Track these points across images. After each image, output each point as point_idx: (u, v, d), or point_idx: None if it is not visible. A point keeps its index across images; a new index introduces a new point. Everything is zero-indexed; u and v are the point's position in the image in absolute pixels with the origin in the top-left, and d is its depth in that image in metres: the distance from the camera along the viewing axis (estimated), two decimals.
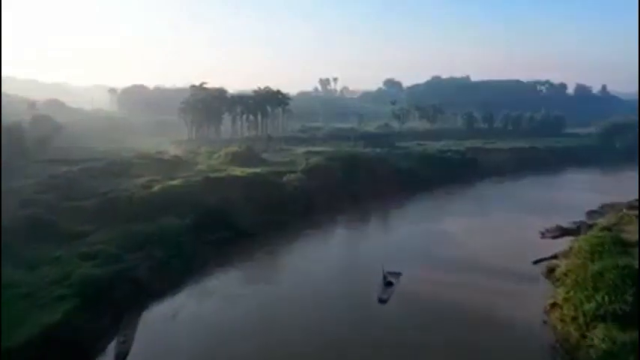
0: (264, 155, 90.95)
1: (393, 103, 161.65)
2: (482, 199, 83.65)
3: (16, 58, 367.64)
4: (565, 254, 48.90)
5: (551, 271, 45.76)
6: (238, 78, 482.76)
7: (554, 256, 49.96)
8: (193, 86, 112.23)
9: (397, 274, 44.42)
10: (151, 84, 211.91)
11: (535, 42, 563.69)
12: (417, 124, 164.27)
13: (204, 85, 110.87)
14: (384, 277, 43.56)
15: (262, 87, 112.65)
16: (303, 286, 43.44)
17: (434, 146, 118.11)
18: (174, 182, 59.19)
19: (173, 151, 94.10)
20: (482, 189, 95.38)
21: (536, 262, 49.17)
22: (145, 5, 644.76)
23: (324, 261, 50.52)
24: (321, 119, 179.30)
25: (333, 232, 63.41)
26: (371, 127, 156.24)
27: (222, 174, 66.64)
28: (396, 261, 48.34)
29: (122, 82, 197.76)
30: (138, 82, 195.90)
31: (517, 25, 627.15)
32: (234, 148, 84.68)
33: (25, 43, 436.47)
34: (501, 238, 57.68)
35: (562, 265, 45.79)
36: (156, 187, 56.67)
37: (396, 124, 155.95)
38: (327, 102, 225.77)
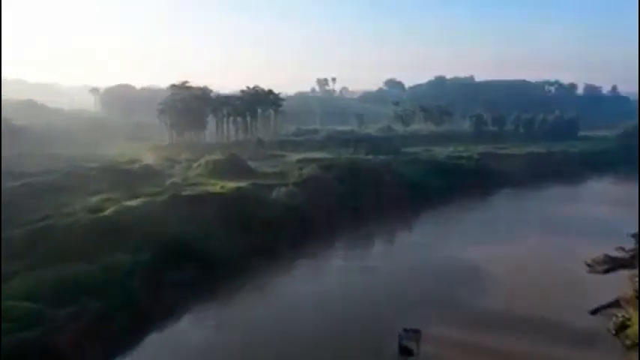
0: (252, 164, 79.41)
1: (397, 103, 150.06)
2: (504, 217, 72.11)
3: (12, 58, 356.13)
4: (631, 301, 37.73)
5: (621, 328, 34.58)
6: (236, 79, 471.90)
7: (617, 302, 38.84)
8: (174, 85, 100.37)
9: (416, 333, 33.05)
10: (148, 84, 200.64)
11: (540, 41, 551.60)
12: (421, 126, 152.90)
13: (187, 84, 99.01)
14: (399, 339, 32.29)
15: (251, 87, 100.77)
16: (285, 354, 32.07)
17: (442, 152, 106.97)
18: (133, 202, 47.72)
19: (149, 158, 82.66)
20: (500, 203, 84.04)
21: (594, 312, 37.99)
22: (146, 6, 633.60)
23: (317, 309, 39.11)
24: (319, 121, 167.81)
25: (331, 262, 51.89)
26: (372, 129, 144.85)
27: (197, 190, 55.19)
28: (412, 310, 37.32)
29: (120, 82, 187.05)
30: (124, 82, 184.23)
31: (521, 24, 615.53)
32: (216, 157, 73.16)
33: (20, 44, 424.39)
34: (539, 272, 46.48)
35: (633, 318, 34.75)
36: (108, 210, 45.15)
37: (399, 127, 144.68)
38: (325, 102, 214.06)
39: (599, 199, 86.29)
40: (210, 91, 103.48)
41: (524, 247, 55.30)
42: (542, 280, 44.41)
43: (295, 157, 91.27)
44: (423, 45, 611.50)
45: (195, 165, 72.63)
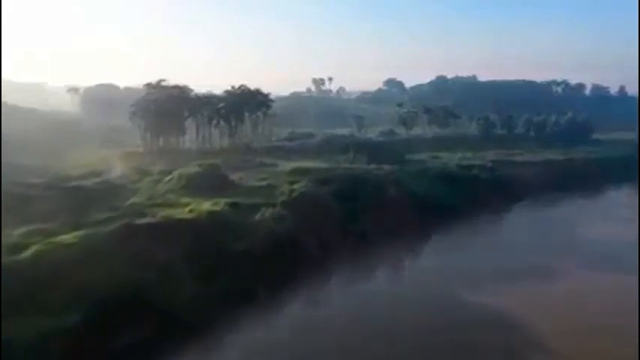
0: (237, 175, 68.41)
1: (400, 105, 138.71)
2: (530, 242, 60.54)
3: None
4: None
5: None
6: (232, 79, 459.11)
7: None
8: (149, 84, 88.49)
9: None
10: (138, 85, 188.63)
11: (543, 41, 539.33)
12: (424, 129, 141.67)
13: (163, 83, 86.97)
14: None
15: (237, 86, 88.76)
16: None
17: (452, 159, 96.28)
18: (70, 237, 36.45)
19: (117, 168, 71.47)
20: (521, 222, 73.01)
21: None
22: (140, 5, 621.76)
23: None
24: (314, 123, 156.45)
25: (325, 313, 40.53)
26: (372, 133, 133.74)
27: (159, 216, 43.90)
28: None
29: (118, 82, 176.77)
30: (114, 82, 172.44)
31: (523, 23, 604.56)
32: (192, 169, 62.01)
33: (11, 43, 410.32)
34: (602, 331, 35.33)
35: None
36: (29, 252, 33.84)
37: (401, 130, 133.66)
38: (321, 103, 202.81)
39: (631, 216, 75.80)
40: (191, 90, 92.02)
41: (568, 287, 44.45)
42: (611, 344, 33.36)
43: (287, 165, 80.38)
44: (423, 44, 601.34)
45: (167, 178, 61.37)
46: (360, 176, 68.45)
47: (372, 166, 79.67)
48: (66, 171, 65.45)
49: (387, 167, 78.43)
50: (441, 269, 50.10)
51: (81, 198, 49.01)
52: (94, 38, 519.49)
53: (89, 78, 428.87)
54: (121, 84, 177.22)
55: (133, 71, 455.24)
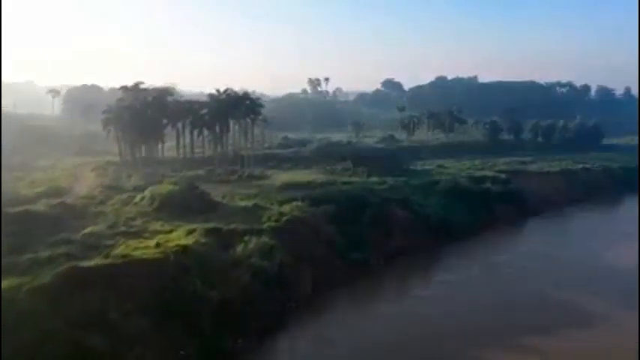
0: (221, 190, 59.94)
1: (401, 109, 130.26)
2: (554, 266, 52.44)
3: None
4: None
5: None
6: (230, 80, 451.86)
7: None
8: (124, 87, 79.17)
9: None
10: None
11: (547, 41, 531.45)
12: (427, 134, 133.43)
13: (141, 86, 77.62)
14: None
15: (223, 89, 79.53)
16: None
17: (460, 169, 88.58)
18: None
19: (85, 184, 62.99)
20: (544, 246, 64.10)
21: None
22: (137, 5, 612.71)
23: None
24: (310, 127, 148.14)
25: None
26: (371, 138, 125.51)
27: (116, 254, 35.32)
28: None
29: (111, 83, 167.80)
30: (90, 83, 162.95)
31: (525, 23, 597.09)
32: (166, 187, 53.38)
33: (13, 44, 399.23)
34: None
35: None
36: None
37: (402, 135, 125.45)
38: (317, 105, 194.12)
39: None
40: (173, 94, 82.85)
41: (616, 335, 36.21)
42: None
43: (279, 177, 72.57)
44: (422, 44, 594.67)
45: (137, 198, 52.83)
46: (361, 194, 60.11)
47: (374, 179, 71.46)
48: (22, 188, 56.72)
49: (390, 181, 70.24)
50: (459, 314, 41.41)
51: (27, 227, 40.25)
52: (93, 38, 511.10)
53: (89, 78, 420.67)
54: (120, 84, 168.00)
55: (133, 71, 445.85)
